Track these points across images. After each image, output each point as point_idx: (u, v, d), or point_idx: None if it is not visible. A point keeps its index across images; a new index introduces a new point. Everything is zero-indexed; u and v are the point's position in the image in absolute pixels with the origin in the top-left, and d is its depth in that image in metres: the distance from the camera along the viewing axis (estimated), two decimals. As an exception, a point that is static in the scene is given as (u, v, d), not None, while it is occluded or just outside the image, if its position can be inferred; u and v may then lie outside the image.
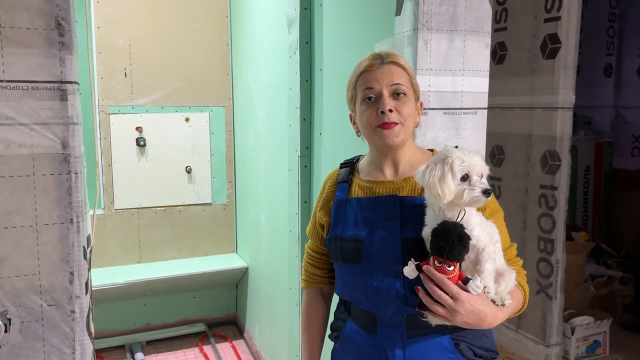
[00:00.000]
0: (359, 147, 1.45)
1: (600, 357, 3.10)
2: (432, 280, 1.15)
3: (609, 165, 4.43)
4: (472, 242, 1.16)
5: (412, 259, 1.19)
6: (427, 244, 1.20)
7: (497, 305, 1.20)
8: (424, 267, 1.16)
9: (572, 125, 2.72)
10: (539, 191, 2.80)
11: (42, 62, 1.26)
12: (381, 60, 1.31)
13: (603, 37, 4.63)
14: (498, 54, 2.99)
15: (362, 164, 1.43)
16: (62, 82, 1.28)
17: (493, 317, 1.18)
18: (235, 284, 4.14)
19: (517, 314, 1.32)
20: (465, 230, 1.15)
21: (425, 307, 1.17)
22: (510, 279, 1.23)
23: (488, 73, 1.79)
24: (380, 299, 1.29)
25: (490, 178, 1.22)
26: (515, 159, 2.92)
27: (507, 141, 2.96)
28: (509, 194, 2.94)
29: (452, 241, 1.12)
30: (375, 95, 1.29)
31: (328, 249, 1.41)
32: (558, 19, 2.63)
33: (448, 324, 1.20)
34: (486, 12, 1.76)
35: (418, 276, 1.18)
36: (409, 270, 1.18)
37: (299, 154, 2.59)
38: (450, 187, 1.14)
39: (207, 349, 3.78)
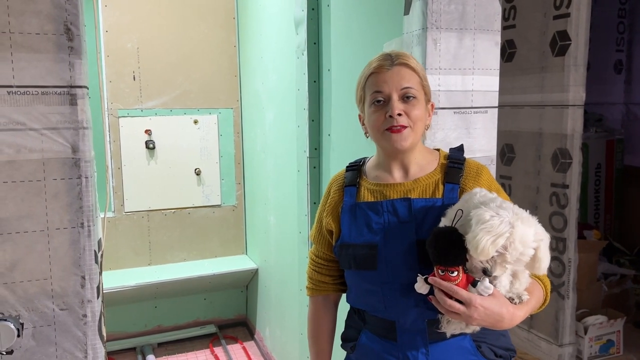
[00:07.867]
0: (368, 147, 1.43)
1: (614, 357, 3.07)
2: (442, 290, 1.13)
3: (620, 163, 4.38)
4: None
5: (419, 274, 1.18)
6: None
7: (515, 303, 1.17)
8: (430, 279, 1.15)
9: (583, 123, 2.70)
10: (550, 189, 2.77)
11: (52, 67, 1.26)
12: (391, 61, 1.27)
13: (613, 33, 4.58)
14: (507, 52, 2.97)
15: (369, 167, 1.39)
16: (71, 86, 1.28)
17: (511, 317, 1.15)
18: (245, 285, 4.15)
19: (541, 309, 1.29)
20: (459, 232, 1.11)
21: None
22: (524, 275, 1.20)
23: (498, 71, 1.78)
24: (399, 306, 1.26)
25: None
26: (526, 157, 2.89)
27: (518, 139, 2.94)
28: (520, 192, 2.92)
29: (444, 248, 1.10)
30: (384, 98, 1.26)
31: (339, 257, 1.37)
32: (567, 15, 2.61)
33: (468, 331, 1.19)
34: (495, 9, 1.74)
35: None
36: (420, 286, 1.17)
37: (308, 155, 2.59)
38: (490, 253, 1.08)
39: (218, 350, 3.78)
